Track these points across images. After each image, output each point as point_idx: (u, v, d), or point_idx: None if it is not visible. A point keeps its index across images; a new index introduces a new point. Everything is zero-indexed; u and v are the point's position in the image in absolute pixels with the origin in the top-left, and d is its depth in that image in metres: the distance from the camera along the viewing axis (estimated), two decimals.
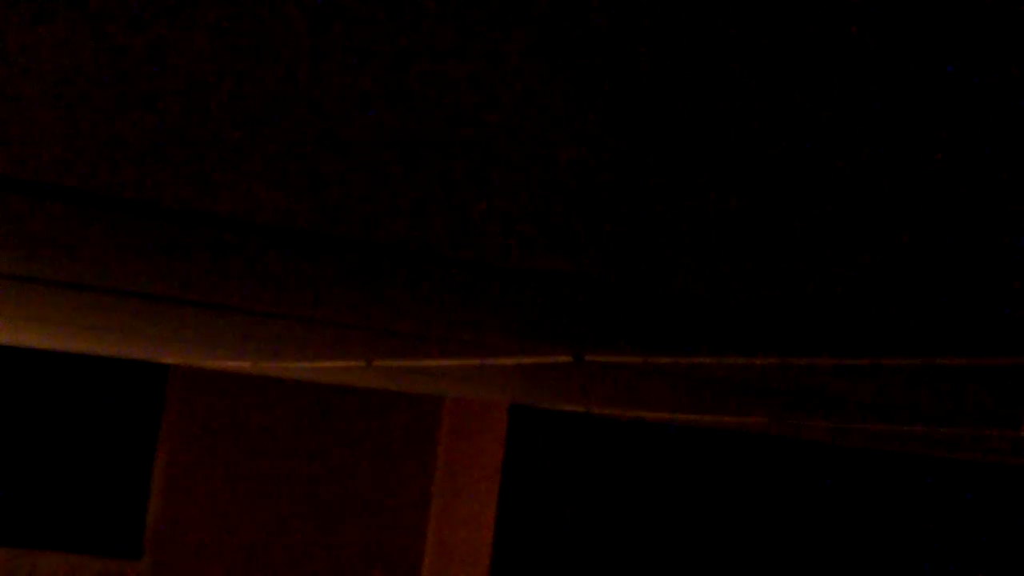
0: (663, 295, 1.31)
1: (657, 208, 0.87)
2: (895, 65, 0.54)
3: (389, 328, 2.05)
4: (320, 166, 0.85)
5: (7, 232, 1.35)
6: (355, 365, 3.27)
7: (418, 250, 1.16)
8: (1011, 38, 0.49)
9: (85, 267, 1.62)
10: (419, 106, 0.68)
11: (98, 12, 0.57)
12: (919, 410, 2.54)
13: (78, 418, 5.99)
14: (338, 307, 1.80)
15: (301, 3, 0.54)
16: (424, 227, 1.04)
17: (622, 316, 1.55)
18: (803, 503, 5.78)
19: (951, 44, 0.50)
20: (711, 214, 0.87)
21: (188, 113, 0.74)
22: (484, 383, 3.46)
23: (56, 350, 5.30)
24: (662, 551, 5.58)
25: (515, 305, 1.55)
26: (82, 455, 6.00)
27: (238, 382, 6.16)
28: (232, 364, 4.32)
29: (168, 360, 4.92)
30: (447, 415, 6.35)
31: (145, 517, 6.09)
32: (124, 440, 6.06)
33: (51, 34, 0.60)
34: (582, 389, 3.17)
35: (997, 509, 6.02)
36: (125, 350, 4.19)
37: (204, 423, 6.14)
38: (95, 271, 1.65)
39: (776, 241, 0.94)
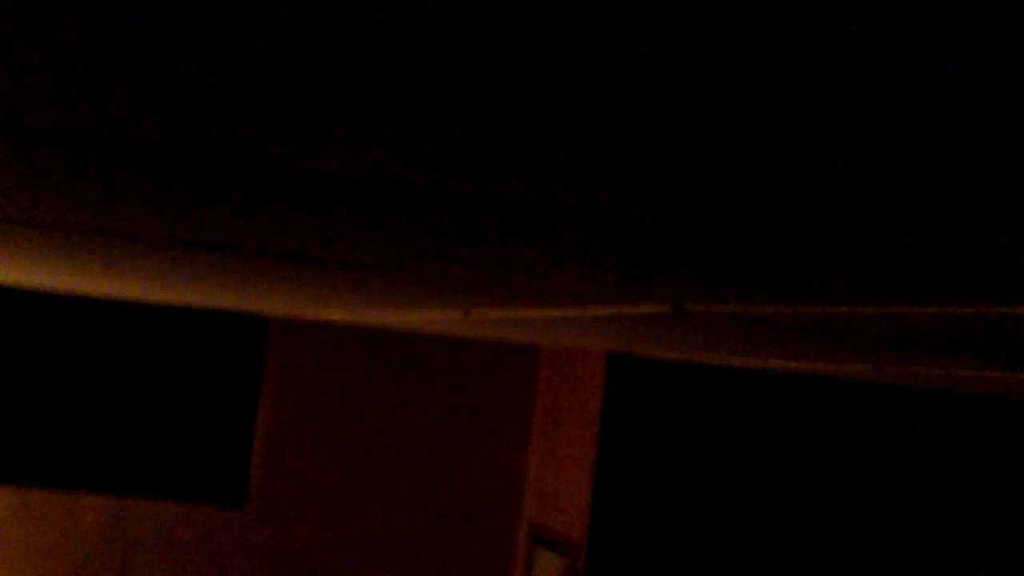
0: (765, 246, 1.30)
1: (754, 159, 0.86)
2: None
3: (489, 279, 2.06)
4: (427, 125, 0.85)
5: (116, 192, 1.38)
6: (453, 316, 3.29)
7: (519, 206, 1.16)
8: None
9: (193, 225, 1.65)
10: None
11: None
12: None
13: (183, 369, 6.10)
14: (439, 260, 1.81)
15: None
16: (525, 184, 1.04)
17: (723, 267, 1.54)
18: (908, 450, 5.73)
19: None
20: (810, 164, 0.86)
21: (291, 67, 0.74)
22: (582, 333, 3.47)
23: (159, 303, 5.39)
24: (761, 499, 5.57)
25: (616, 257, 1.54)
26: (187, 405, 6.11)
27: (337, 333, 6.23)
28: (332, 315, 4.36)
29: (270, 312, 4.98)
30: (545, 364, 6.37)
31: (249, 465, 6.20)
32: (228, 390, 6.16)
33: None
34: (681, 337, 3.16)
35: None
36: (227, 302, 4.25)
37: (305, 373, 6.22)
38: (203, 229, 1.68)
39: (873, 190, 0.93)
